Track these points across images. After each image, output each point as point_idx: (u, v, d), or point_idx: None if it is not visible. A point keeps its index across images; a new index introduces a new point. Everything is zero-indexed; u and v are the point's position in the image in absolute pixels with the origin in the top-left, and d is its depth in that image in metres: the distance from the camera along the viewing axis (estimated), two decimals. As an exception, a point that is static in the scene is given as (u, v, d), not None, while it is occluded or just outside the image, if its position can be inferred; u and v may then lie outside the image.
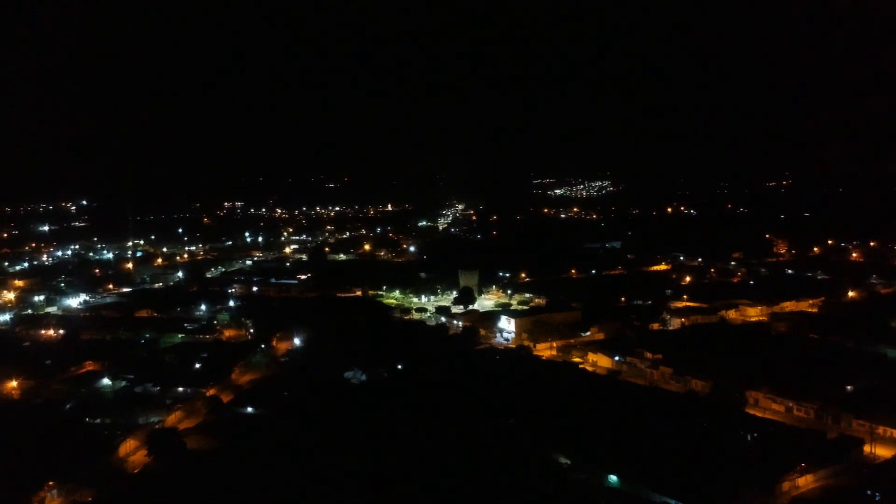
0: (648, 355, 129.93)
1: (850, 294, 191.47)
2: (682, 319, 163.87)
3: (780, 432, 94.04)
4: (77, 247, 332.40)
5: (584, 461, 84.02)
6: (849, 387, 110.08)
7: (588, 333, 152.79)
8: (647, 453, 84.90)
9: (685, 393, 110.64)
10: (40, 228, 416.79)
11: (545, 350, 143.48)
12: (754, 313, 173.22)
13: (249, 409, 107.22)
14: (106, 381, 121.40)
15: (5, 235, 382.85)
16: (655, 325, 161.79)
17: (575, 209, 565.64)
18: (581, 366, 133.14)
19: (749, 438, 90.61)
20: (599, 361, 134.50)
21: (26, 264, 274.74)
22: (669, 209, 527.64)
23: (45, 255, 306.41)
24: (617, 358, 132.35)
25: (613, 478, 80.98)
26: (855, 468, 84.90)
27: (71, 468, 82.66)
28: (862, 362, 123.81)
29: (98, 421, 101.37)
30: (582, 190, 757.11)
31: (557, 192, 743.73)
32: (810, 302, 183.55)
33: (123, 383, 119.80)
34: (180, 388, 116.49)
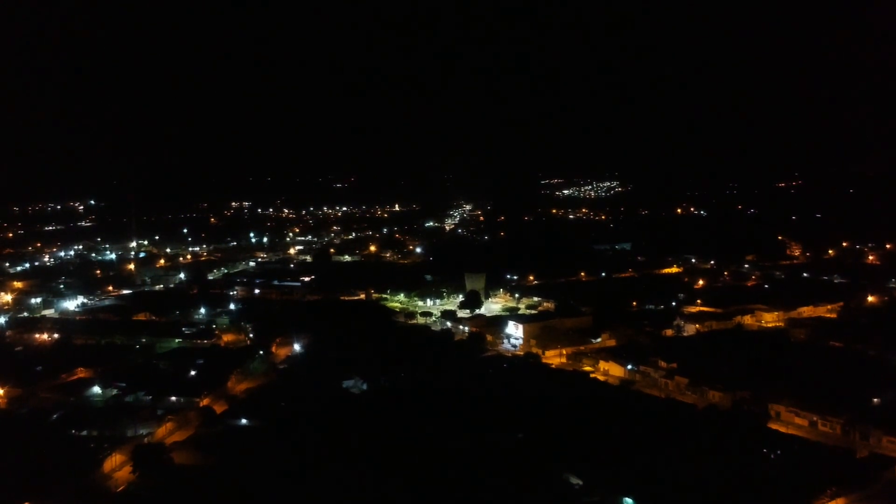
0: (663, 364, 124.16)
1: (870, 299, 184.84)
2: (697, 325, 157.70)
3: (805, 450, 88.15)
4: (80, 247, 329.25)
5: (597, 482, 78.48)
6: (875, 399, 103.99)
7: (599, 340, 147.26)
8: (664, 474, 79.14)
9: (704, 407, 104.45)
10: (46, 228, 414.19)
11: (554, 357, 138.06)
12: (771, 319, 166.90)
13: (243, 421, 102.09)
14: (96, 389, 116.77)
15: (10, 235, 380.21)
16: (669, 332, 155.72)
17: (583, 210, 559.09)
18: (592, 375, 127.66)
19: (773, 457, 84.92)
20: (611, 370, 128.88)
21: (27, 265, 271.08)
22: (679, 210, 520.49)
23: (47, 256, 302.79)
24: (630, 367, 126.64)
25: (629, 500, 75.40)
26: (888, 491, 79.07)
27: (50, 486, 77.73)
28: (888, 372, 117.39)
29: (84, 433, 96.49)
30: (590, 190, 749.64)
31: (566, 192, 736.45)
32: (828, 307, 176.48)
33: (114, 392, 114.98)
34: (173, 398, 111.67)
